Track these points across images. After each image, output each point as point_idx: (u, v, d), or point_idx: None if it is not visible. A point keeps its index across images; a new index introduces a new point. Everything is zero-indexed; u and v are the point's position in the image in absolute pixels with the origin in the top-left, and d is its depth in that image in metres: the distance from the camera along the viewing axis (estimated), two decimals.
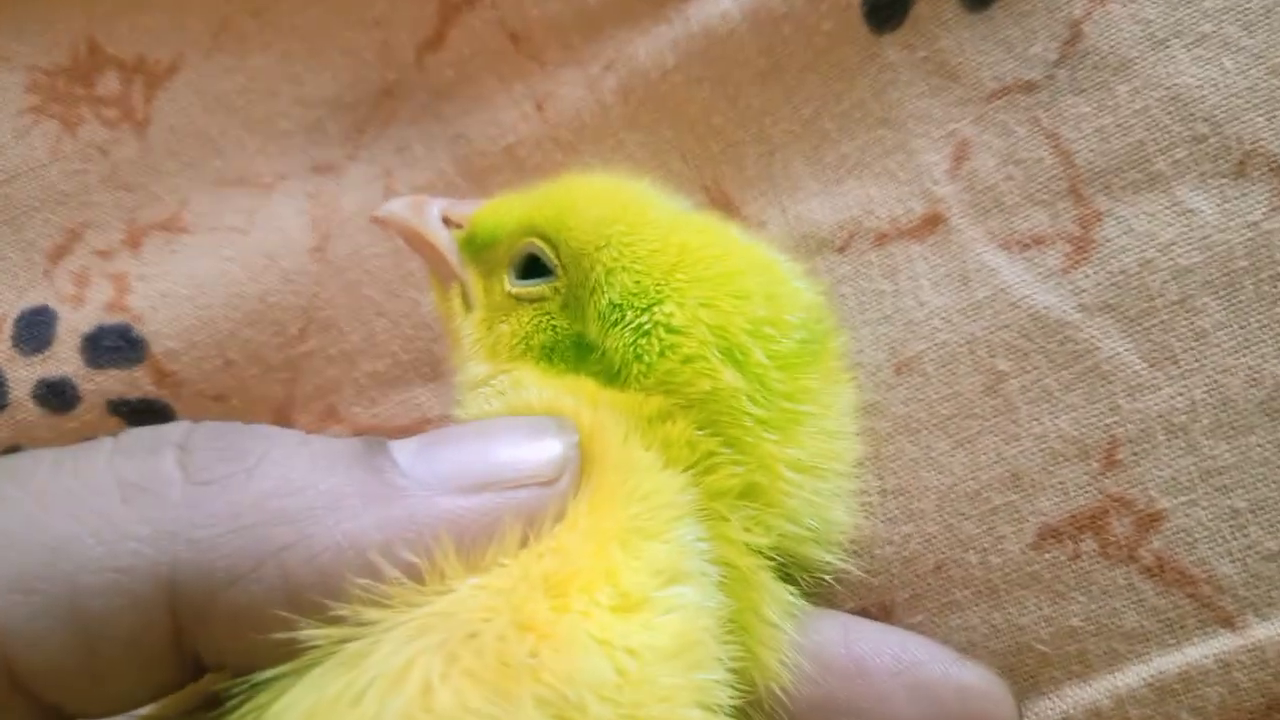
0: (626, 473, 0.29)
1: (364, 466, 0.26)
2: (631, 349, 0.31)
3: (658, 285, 0.32)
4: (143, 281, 0.41)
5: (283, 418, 0.42)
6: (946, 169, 0.37)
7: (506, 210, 0.35)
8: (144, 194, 0.42)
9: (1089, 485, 0.34)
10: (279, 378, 0.42)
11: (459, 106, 0.42)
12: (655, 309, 0.31)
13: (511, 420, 0.30)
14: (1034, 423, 0.35)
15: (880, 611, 0.35)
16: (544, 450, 0.28)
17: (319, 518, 0.25)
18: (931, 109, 0.37)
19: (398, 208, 0.36)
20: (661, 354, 0.31)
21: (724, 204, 0.40)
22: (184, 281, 0.41)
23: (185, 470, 0.25)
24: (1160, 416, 0.33)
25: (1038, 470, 0.34)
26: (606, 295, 0.32)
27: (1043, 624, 0.34)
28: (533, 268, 0.34)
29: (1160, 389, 0.33)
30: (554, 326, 0.33)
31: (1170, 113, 0.34)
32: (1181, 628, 0.33)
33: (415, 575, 0.25)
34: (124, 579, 0.23)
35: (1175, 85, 0.34)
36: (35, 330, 0.41)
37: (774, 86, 0.39)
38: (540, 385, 0.32)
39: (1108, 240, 0.35)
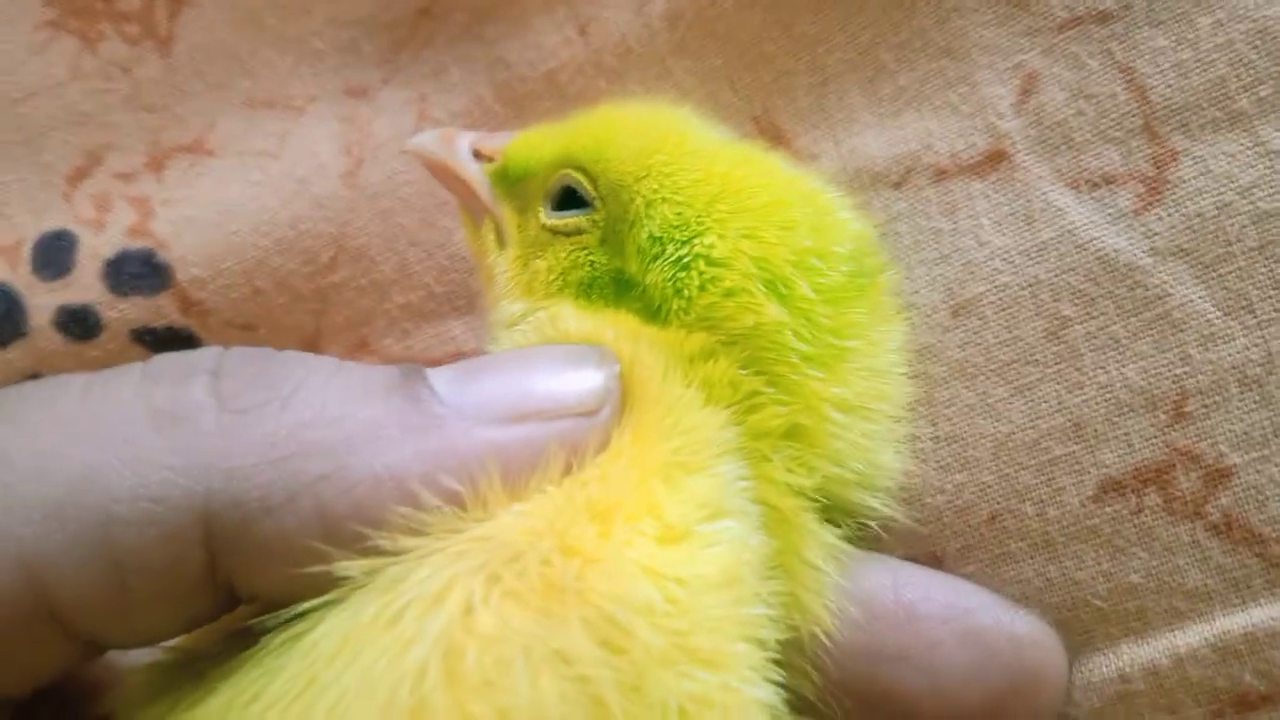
0: (667, 407, 0.28)
1: (402, 395, 0.25)
2: (671, 283, 0.30)
3: (699, 217, 0.30)
4: (166, 206, 0.40)
5: (312, 349, 0.41)
6: (1012, 102, 0.35)
7: (541, 141, 0.34)
8: (168, 115, 0.40)
9: (1155, 438, 0.32)
10: (309, 308, 0.40)
11: (499, 29, 0.40)
12: (696, 241, 0.30)
13: (551, 349, 0.29)
14: (1099, 371, 0.33)
15: (930, 561, 0.34)
16: (585, 380, 0.27)
17: (356, 449, 0.24)
18: (998, 39, 0.35)
19: (427, 140, 0.35)
20: (702, 287, 0.30)
21: (774, 135, 0.38)
22: (210, 206, 0.40)
23: (219, 398, 0.24)
24: (1234, 368, 0.32)
25: (1101, 420, 0.33)
26: (646, 228, 0.31)
27: (1100, 579, 0.33)
28: (569, 200, 0.33)
29: (1235, 339, 0.32)
30: (592, 262, 0.32)
31: (1256, 47, 0.32)
32: (1248, 588, 0.31)
33: (456, 505, 0.24)
34: (157, 509, 0.23)
35: (1263, 17, 0.32)
36: (55, 255, 0.39)
37: (829, 13, 0.37)
38: (579, 319, 0.31)
39: (1184, 181, 0.33)
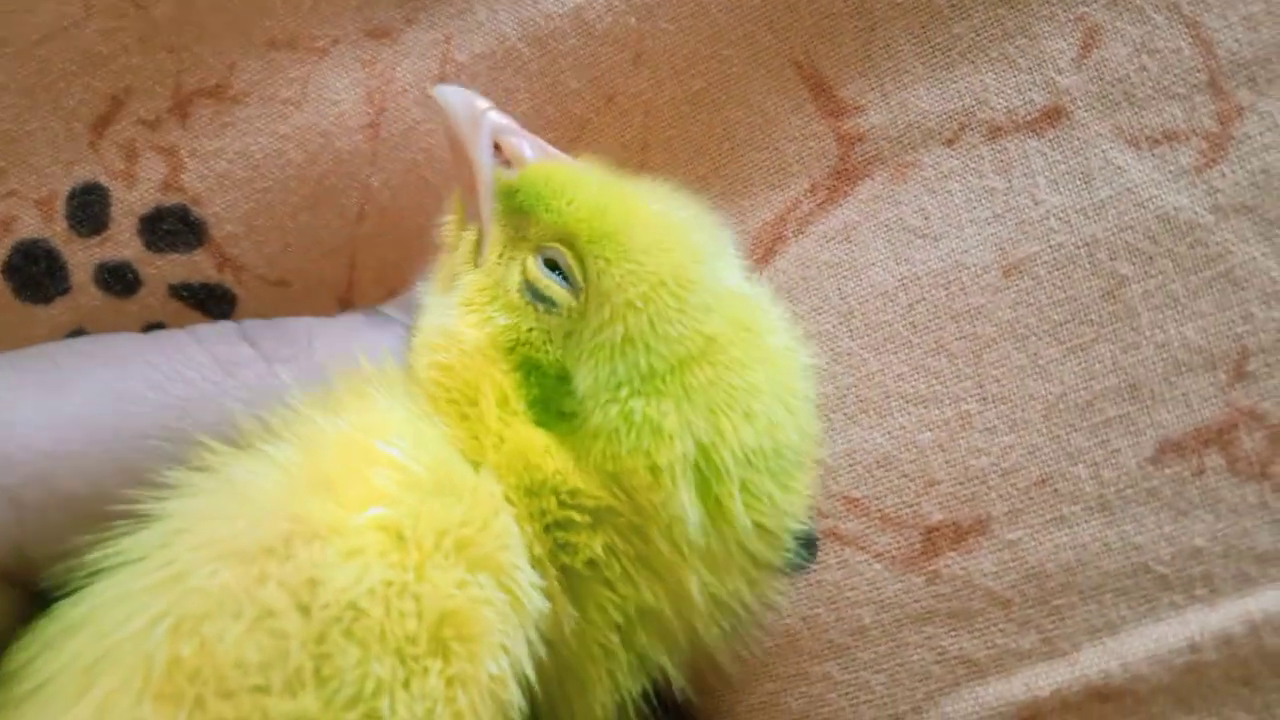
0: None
1: (380, 328, 0.33)
2: (607, 429, 0.30)
3: (665, 376, 0.30)
4: (195, 158, 0.38)
5: (345, 302, 0.40)
6: (1073, 57, 0.34)
7: (567, 187, 0.32)
8: (188, 56, 0.38)
9: (1215, 397, 0.32)
10: (340, 261, 0.39)
11: None
12: (652, 403, 0.29)
13: None
14: (1156, 330, 0.33)
15: (975, 525, 0.34)
16: None
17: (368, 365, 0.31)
18: None
19: (455, 100, 0.33)
20: (631, 451, 0.29)
21: (817, 83, 0.37)
22: (240, 162, 0.38)
23: (263, 354, 0.31)
24: None
25: (1158, 381, 0.33)
26: (611, 364, 0.30)
27: (1163, 543, 0.32)
28: (541, 283, 0.32)
29: None
30: (548, 349, 0.31)
31: None
32: None
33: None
34: (232, 433, 0.29)
35: None
36: (90, 210, 0.38)
37: None
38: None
39: (1249, 137, 0.33)
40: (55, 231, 0.38)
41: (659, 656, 0.31)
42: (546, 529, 0.30)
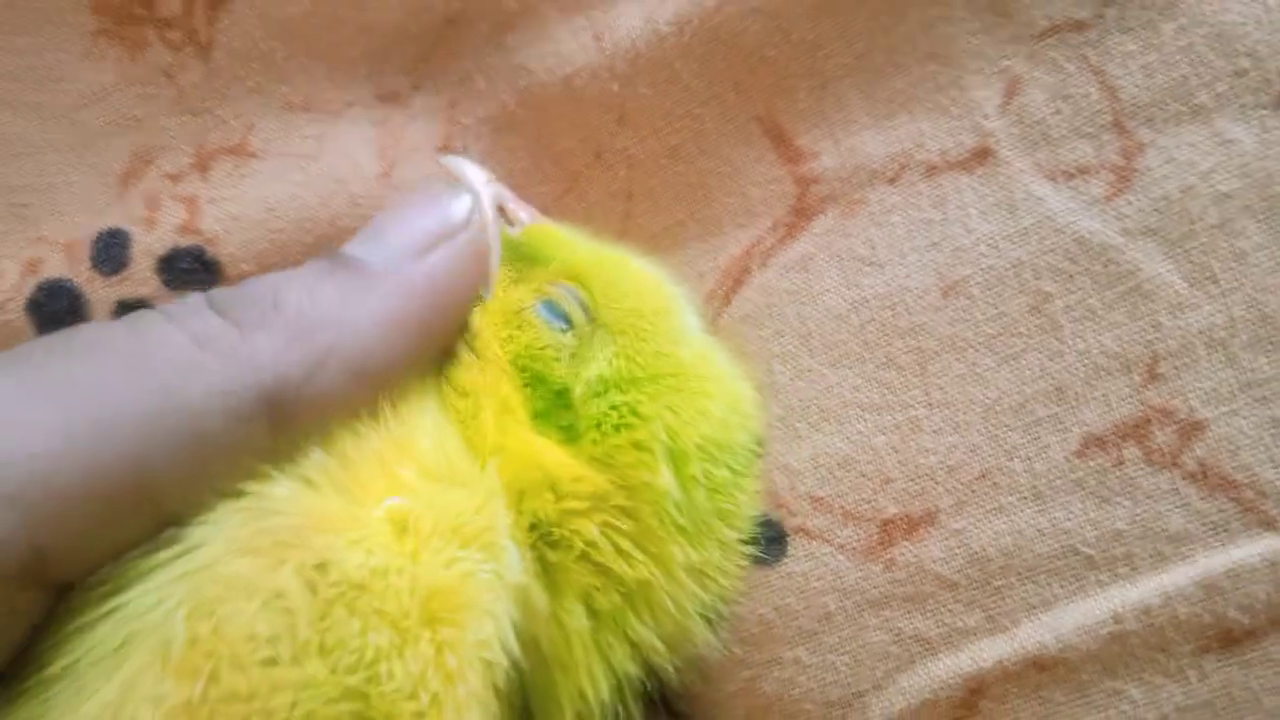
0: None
1: (344, 270, 0.33)
2: (595, 419, 0.34)
3: (644, 381, 0.35)
4: (213, 204, 0.42)
5: None
6: (998, 104, 0.39)
7: (566, 243, 0.38)
8: (210, 118, 0.42)
9: (1131, 397, 0.36)
10: None
11: (520, 38, 0.43)
12: (631, 395, 0.35)
13: (415, 196, 0.36)
14: (1077, 339, 0.37)
15: (925, 517, 0.37)
16: (456, 205, 0.35)
17: (342, 315, 0.31)
18: (984, 46, 0.39)
19: (464, 170, 0.38)
20: (617, 429, 0.34)
21: (777, 135, 0.42)
22: (255, 205, 0.42)
23: (232, 322, 0.31)
24: (1201, 332, 0.35)
25: (1081, 384, 0.36)
26: (601, 372, 0.35)
27: (1089, 527, 0.35)
28: (556, 309, 0.37)
29: (1200, 307, 0.36)
30: (556, 365, 0.36)
31: (1214, 48, 0.36)
32: (1226, 530, 0.34)
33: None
34: (230, 399, 0.29)
35: (1219, 22, 0.36)
36: (111, 252, 0.41)
37: (826, 21, 0.41)
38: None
39: (1150, 169, 0.37)
40: (79, 272, 0.41)
41: (650, 639, 0.34)
42: (533, 528, 0.33)
